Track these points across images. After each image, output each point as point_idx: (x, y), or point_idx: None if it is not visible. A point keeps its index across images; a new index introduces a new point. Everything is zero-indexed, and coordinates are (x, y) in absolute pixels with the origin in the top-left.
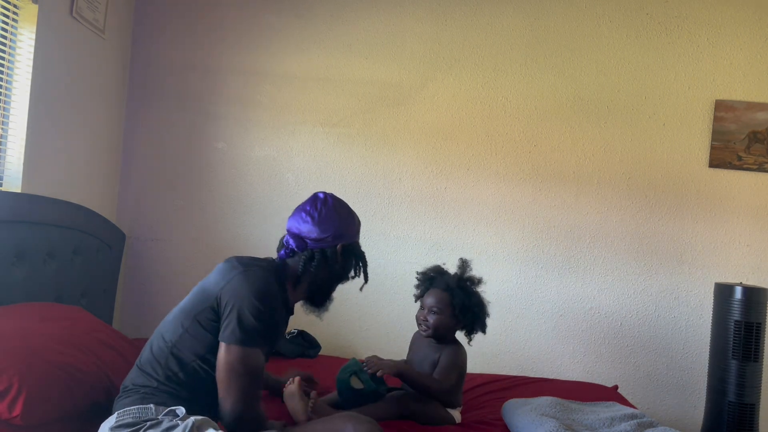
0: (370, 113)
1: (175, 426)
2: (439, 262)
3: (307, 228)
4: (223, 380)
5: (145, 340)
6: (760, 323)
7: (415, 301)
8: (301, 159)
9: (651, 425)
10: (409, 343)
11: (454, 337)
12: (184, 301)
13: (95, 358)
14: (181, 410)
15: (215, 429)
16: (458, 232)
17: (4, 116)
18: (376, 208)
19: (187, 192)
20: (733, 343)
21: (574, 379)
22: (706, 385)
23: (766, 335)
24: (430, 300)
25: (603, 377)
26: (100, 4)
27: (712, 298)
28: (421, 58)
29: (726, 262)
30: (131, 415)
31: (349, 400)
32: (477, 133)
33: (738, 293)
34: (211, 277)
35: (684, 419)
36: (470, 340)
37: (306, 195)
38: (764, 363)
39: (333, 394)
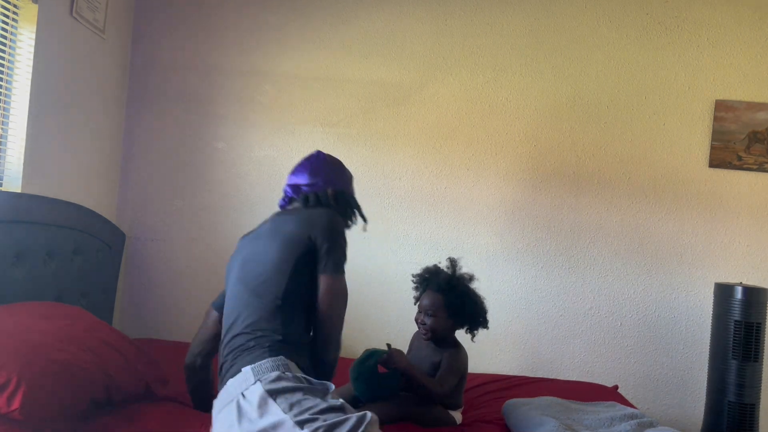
0: (370, 113)
1: (344, 416)
2: (436, 262)
3: (301, 176)
4: (331, 308)
5: (145, 340)
6: (760, 323)
7: (415, 304)
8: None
9: (651, 425)
10: (408, 343)
11: (455, 338)
12: (267, 262)
13: (95, 356)
14: (330, 386)
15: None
16: (458, 232)
17: (4, 116)
18: (376, 208)
19: (187, 192)
20: (733, 343)
21: (574, 379)
22: (706, 385)
23: (766, 335)
24: (425, 302)
25: (603, 377)
26: (100, 4)
27: (712, 298)
28: (421, 58)
29: (726, 262)
30: (268, 368)
31: (367, 393)
32: (477, 133)
33: (738, 293)
34: (284, 228)
35: (684, 419)
36: (473, 336)
37: None
38: (764, 363)
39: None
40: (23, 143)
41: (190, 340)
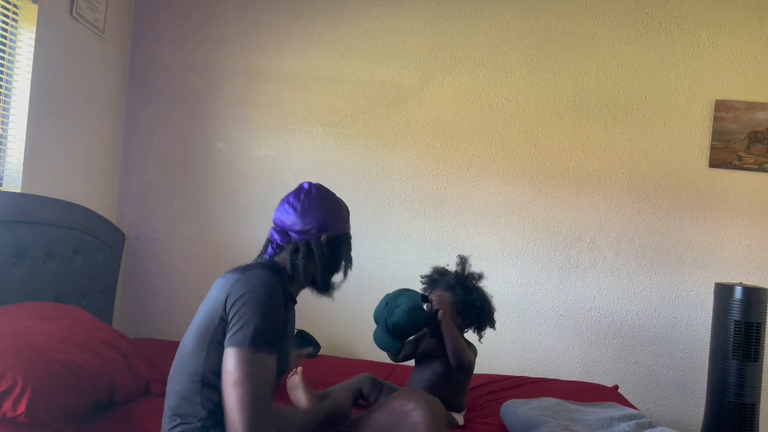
0: (370, 113)
1: None
2: (439, 262)
3: (290, 220)
4: (232, 391)
5: (145, 340)
6: (760, 323)
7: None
8: (301, 159)
9: (650, 425)
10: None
11: (464, 338)
12: (194, 327)
13: (97, 357)
14: None
15: None
16: (458, 232)
17: (4, 116)
18: (376, 208)
19: (187, 192)
20: (733, 343)
21: (574, 379)
22: (706, 385)
23: (766, 335)
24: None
25: (603, 377)
26: (100, 4)
27: (712, 298)
28: (421, 58)
29: (726, 262)
30: None
31: (403, 320)
32: (477, 133)
33: (738, 293)
34: (212, 293)
35: (684, 419)
36: (481, 337)
37: None
38: (764, 363)
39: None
40: (23, 143)
41: None
